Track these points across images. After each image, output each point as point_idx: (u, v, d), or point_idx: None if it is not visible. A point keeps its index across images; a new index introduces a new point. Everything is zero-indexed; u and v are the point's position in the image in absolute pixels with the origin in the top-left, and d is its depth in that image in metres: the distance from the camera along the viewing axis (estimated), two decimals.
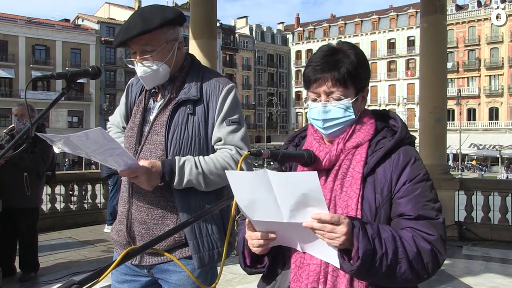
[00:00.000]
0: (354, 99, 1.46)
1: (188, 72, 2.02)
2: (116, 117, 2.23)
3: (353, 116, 1.46)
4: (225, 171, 1.30)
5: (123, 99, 2.18)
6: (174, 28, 1.96)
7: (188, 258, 1.92)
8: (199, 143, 1.94)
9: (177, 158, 1.88)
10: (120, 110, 2.21)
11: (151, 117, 2.00)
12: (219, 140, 1.96)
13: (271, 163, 1.54)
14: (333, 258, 1.31)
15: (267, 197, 1.25)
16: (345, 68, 1.43)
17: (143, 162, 1.82)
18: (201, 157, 1.92)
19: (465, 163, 49.74)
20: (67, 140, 1.63)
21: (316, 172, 1.19)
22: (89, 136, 1.61)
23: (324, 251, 1.32)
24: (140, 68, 1.92)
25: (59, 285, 4.77)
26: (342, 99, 1.45)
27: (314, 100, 1.49)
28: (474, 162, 50.08)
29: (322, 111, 1.45)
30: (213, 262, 1.96)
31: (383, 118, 1.55)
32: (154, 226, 1.93)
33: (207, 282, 1.96)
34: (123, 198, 2.03)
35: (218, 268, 2.03)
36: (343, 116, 1.45)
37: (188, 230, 1.91)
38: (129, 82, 2.19)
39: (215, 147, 1.98)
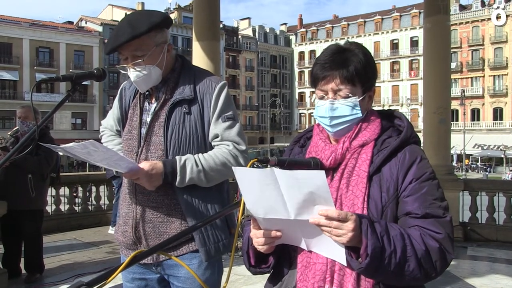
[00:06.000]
0: (361, 98, 1.47)
1: (180, 73, 2.08)
2: (110, 121, 2.27)
3: (360, 114, 1.46)
4: (232, 167, 1.33)
5: (116, 103, 2.22)
6: (161, 31, 2.01)
7: (195, 251, 1.99)
8: (197, 141, 2.01)
9: (177, 158, 1.94)
10: (113, 114, 2.25)
11: (148, 119, 2.05)
12: (216, 136, 2.02)
13: None
14: (340, 256, 1.30)
15: (274, 194, 1.25)
16: (354, 66, 1.44)
17: (143, 164, 1.88)
18: (200, 154, 1.98)
19: (469, 163, 49.39)
20: (69, 149, 1.74)
21: (323, 172, 1.19)
22: (86, 146, 1.70)
23: (330, 249, 1.31)
24: (133, 73, 1.97)
25: (65, 286, 4.79)
26: (350, 96, 1.45)
27: (321, 98, 1.49)
28: (466, 162, 47.97)
29: (329, 108, 1.45)
30: (219, 253, 2.03)
31: (389, 117, 1.55)
32: (160, 224, 1.99)
33: (214, 273, 2.05)
34: (126, 199, 2.08)
35: (224, 262, 2.09)
36: (350, 114, 1.45)
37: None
38: (121, 86, 2.24)
39: (213, 143, 2.04)
